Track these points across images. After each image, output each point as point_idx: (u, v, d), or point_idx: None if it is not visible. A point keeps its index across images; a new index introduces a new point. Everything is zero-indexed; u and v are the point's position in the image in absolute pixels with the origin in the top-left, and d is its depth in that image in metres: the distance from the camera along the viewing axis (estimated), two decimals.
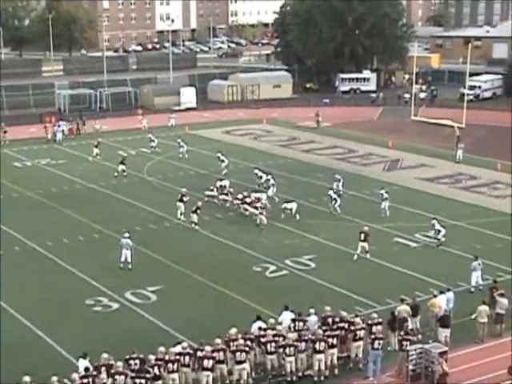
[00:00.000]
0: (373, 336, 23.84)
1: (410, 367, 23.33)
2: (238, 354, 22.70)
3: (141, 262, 33.53)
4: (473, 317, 26.17)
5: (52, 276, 32.51)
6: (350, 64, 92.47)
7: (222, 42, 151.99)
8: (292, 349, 23.24)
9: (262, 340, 23.57)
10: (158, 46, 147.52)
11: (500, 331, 26.52)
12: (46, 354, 25.34)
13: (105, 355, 22.20)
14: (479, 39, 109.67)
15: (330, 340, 23.63)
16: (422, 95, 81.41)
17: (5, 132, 60.59)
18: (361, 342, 24.16)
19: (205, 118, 72.68)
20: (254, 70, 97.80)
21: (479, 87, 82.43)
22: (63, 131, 62.32)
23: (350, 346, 24.37)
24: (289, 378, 23.40)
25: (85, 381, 21.17)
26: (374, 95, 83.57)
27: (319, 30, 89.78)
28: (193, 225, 38.19)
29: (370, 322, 24.50)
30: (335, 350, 23.81)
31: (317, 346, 23.38)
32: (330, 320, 24.80)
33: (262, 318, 25.22)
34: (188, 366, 22.66)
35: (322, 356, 23.42)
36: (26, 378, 21.04)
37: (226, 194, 42.27)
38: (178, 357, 22.42)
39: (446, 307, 26.40)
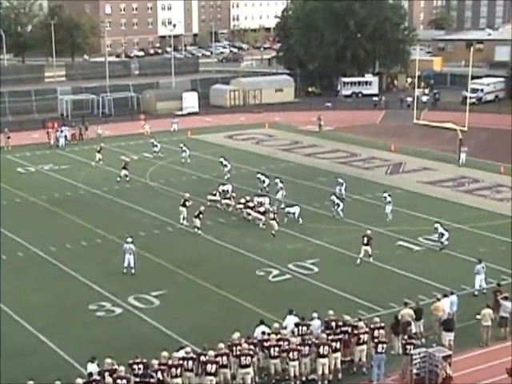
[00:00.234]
0: (376, 340, 23.80)
1: (414, 371, 23.29)
2: (242, 358, 22.67)
3: (144, 267, 33.53)
4: (478, 317, 26.10)
5: (55, 281, 32.53)
6: (352, 68, 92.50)
7: (224, 47, 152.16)
8: (296, 353, 23.22)
9: (266, 344, 23.55)
10: (160, 51, 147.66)
11: (504, 334, 26.48)
12: (49, 359, 25.35)
13: (108, 360, 22.20)
14: (481, 42, 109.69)
15: (334, 344, 23.60)
16: (425, 99, 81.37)
17: (8, 138, 60.65)
18: (364, 346, 24.13)
19: (207, 123, 72.73)
20: (255, 74, 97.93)
21: (481, 90, 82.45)
22: (66, 136, 62.38)
23: (353, 350, 24.33)
24: (292, 383, 23.37)
25: None
26: (376, 99, 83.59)
27: (321, 33, 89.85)
28: (196, 229, 38.20)
29: (372, 326, 24.47)
30: (339, 354, 23.78)
31: (320, 350, 23.35)
32: (333, 324, 24.78)
33: (266, 322, 25.20)
34: (191, 370, 22.64)
35: (325, 360, 23.40)
36: (30, 383, 21.03)
37: (229, 199, 42.32)
38: (181, 361, 22.40)
39: (450, 311, 26.37)
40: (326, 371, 23.47)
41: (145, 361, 22.33)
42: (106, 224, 40.03)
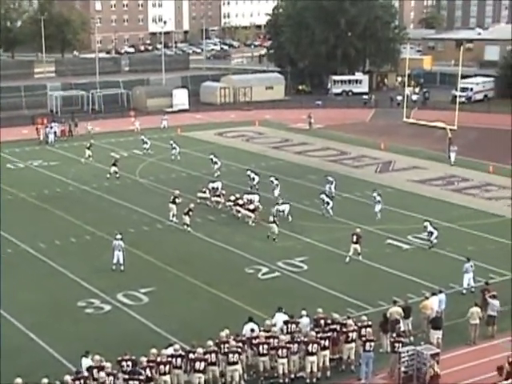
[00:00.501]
0: (364, 338, 23.86)
1: (402, 369, 23.36)
2: (230, 355, 22.69)
3: (133, 264, 33.49)
4: (469, 314, 26.16)
5: (44, 278, 32.44)
6: (343, 66, 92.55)
7: (215, 44, 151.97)
8: (284, 351, 23.25)
9: (255, 342, 23.57)
10: (150, 48, 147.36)
11: (492, 333, 26.59)
12: (37, 356, 25.29)
13: (97, 357, 22.17)
14: (471, 41, 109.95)
15: (323, 342, 23.64)
16: (414, 97, 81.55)
17: None
18: (353, 344, 24.18)
19: (197, 120, 72.67)
20: (246, 71, 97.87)
21: (471, 89, 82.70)
22: (55, 133, 62.22)
23: (342, 348, 24.38)
24: (281, 380, 23.39)
25: (77, 383, 21.12)
26: (366, 97, 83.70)
27: (311, 31, 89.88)
28: (185, 226, 38.18)
29: (359, 324, 24.51)
30: (327, 352, 23.82)
31: (309, 348, 23.39)
32: (322, 322, 24.82)
33: (255, 319, 25.21)
34: (180, 368, 22.65)
35: (314, 358, 23.43)
36: (18, 380, 20.99)
37: (219, 196, 42.32)
38: (169, 359, 22.40)
39: (438, 309, 26.46)
40: (315, 369, 23.51)
41: (133, 358, 22.32)
42: (95, 220, 39.96)
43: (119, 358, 22.33)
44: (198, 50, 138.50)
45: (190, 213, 38.24)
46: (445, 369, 23.29)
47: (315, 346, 23.42)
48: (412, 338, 25.96)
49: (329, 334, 24.01)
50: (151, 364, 22.09)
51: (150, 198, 44.52)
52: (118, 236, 33.31)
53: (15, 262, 34.31)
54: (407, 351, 23.44)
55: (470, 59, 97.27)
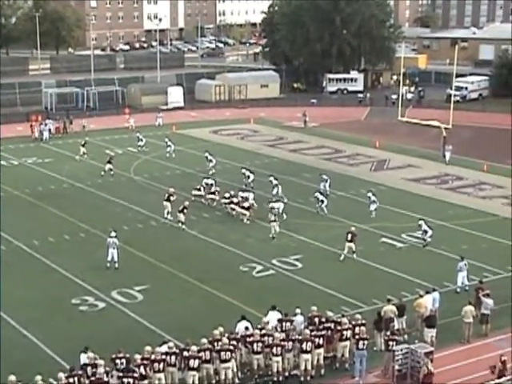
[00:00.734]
0: (357, 336, 23.88)
1: (396, 367, 23.38)
2: (222, 353, 22.69)
3: (127, 262, 33.46)
4: (462, 313, 26.22)
5: (38, 275, 32.38)
6: (338, 64, 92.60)
7: (210, 42, 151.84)
8: (279, 348, 23.25)
9: (249, 340, 23.57)
10: (145, 45, 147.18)
11: (485, 331, 26.65)
12: (31, 353, 25.25)
13: (91, 354, 22.16)
14: (466, 40, 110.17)
15: (317, 340, 23.65)
16: (409, 96, 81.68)
17: None
18: (347, 342, 24.19)
19: (192, 118, 72.62)
20: (241, 69, 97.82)
21: (466, 88, 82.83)
22: (50, 130, 62.11)
23: (336, 346, 24.40)
24: (275, 378, 23.40)
25: (71, 380, 21.09)
26: (361, 96, 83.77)
27: (307, 30, 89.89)
28: (180, 224, 38.17)
29: (353, 322, 24.53)
30: (322, 350, 23.83)
31: (304, 346, 23.40)
32: (316, 320, 24.83)
33: (249, 317, 25.22)
34: (174, 365, 22.63)
35: (308, 356, 23.44)
36: (12, 378, 20.95)
37: (214, 194, 42.26)
38: (164, 356, 22.38)
39: (432, 307, 26.49)
40: (309, 367, 23.52)
41: (127, 355, 22.29)
42: (89, 218, 39.90)
43: (113, 356, 22.30)
44: (193, 48, 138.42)
45: (185, 210, 38.23)
46: (439, 367, 23.32)
47: (309, 344, 23.43)
48: (406, 337, 26.01)
49: (323, 332, 24.02)
50: (145, 362, 22.06)
51: (144, 196, 44.49)
52: (113, 234, 33.26)
53: (9, 259, 34.21)
54: (401, 349, 23.47)
55: (465, 58, 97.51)
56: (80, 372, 21.52)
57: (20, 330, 27.02)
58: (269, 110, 76.88)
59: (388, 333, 24.48)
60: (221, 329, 23.75)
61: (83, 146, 54.22)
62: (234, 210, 40.09)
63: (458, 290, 30.49)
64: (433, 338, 25.25)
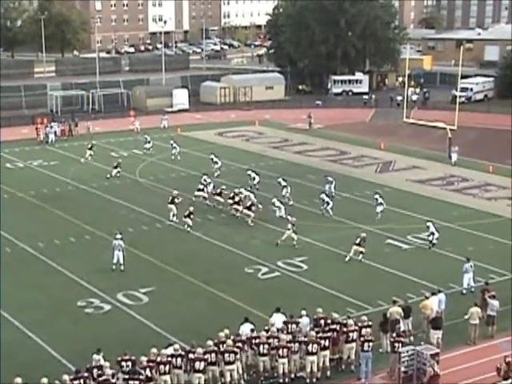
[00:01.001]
0: (362, 338, 23.85)
1: (402, 369, 23.34)
2: (226, 355, 22.68)
3: (133, 264, 33.47)
4: (466, 317, 26.22)
5: (43, 277, 32.42)
6: (343, 66, 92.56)
7: (215, 44, 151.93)
8: (285, 350, 23.22)
9: (255, 341, 23.55)
10: (150, 48, 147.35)
11: (491, 333, 26.58)
12: (37, 356, 25.28)
13: (96, 356, 22.16)
14: (471, 42, 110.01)
15: (323, 342, 23.62)
16: (414, 97, 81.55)
17: None
18: (353, 344, 24.15)
19: (197, 120, 72.66)
20: (246, 71, 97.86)
21: (471, 89, 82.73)
22: (55, 132, 62.18)
23: (342, 348, 24.37)
24: (281, 380, 23.37)
25: (76, 382, 21.09)
26: (366, 97, 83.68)
27: (311, 31, 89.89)
28: (185, 226, 38.19)
29: (360, 324, 24.50)
30: (327, 352, 23.80)
31: (309, 347, 23.37)
32: (322, 322, 24.80)
33: (254, 319, 25.20)
34: (180, 367, 22.62)
35: (314, 358, 23.41)
36: (18, 380, 20.96)
37: (220, 195, 41.96)
38: (169, 358, 22.38)
39: (438, 309, 26.44)
40: (315, 369, 23.49)
41: (133, 358, 22.29)
42: (94, 220, 39.94)
43: (119, 358, 22.31)
44: (198, 50, 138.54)
45: (191, 215, 38.25)
46: (445, 369, 23.28)
47: (315, 345, 23.40)
48: (412, 338, 25.94)
49: (329, 334, 24.00)
50: (151, 364, 22.07)
51: (149, 198, 44.51)
52: (118, 236, 33.28)
53: (14, 261, 34.28)
54: (407, 351, 23.43)
55: (470, 59, 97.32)
56: (86, 374, 21.52)
57: (26, 332, 27.05)
58: (274, 111, 76.88)
59: (394, 334, 24.43)
60: (226, 331, 23.73)
61: (90, 149, 54.27)
62: (237, 210, 40.00)
63: (464, 291, 30.43)
64: (439, 340, 25.20)
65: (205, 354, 22.57)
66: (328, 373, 23.88)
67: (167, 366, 22.18)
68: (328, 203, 40.65)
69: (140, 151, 57.08)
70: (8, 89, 78.70)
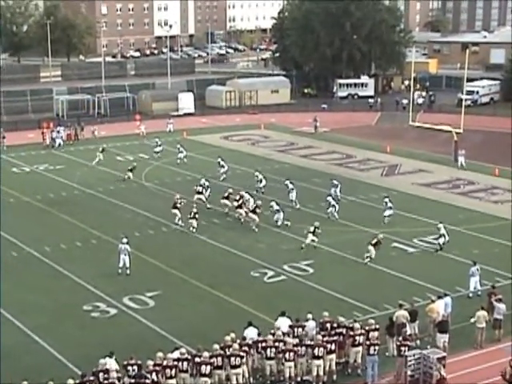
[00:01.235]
0: (368, 342, 23.82)
1: (409, 373, 23.29)
2: (232, 358, 22.67)
3: (139, 268, 33.49)
4: (472, 320, 26.17)
5: (50, 281, 32.47)
6: (348, 69, 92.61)
7: (220, 48, 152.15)
8: (292, 354, 23.19)
9: (263, 345, 23.52)
10: (156, 52, 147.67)
11: (498, 336, 26.51)
12: (43, 360, 25.29)
13: (102, 361, 22.17)
14: (477, 45, 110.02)
15: (329, 346, 23.59)
16: (420, 101, 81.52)
17: (3, 138, 60.56)
18: (360, 348, 24.11)
19: (203, 124, 72.73)
20: (251, 75, 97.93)
21: (477, 92, 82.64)
22: (62, 137, 62.28)
23: (348, 352, 24.34)
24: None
25: None
26: (371, 101, 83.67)
27: (317, 35, 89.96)
28: (191, 228, 38.23)
29: (367, 327, 24.46)
30: (334, 356, 23.76)
31: (315, 351, 23.34)
32: (328, 325, 24.78)
33: (260, 323, 25.18)
34: (186, 371, 22.61)
35: (320, 362, 23.38)
36: (25, 383, 21.02)
37: (227, 198, 41.64)
38: (175, 362, 22.37)
39: (445, 312, 26.38)
40: (321, 373, 23.45)
41: (139, 362, 22.29)
42: (100, 224, 39.99)
43: (125, 363, 22.32)
44: (204, 54, 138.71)
45: (197, 216, 38.32)
46: (451, 373, 23.22)
47: (321, 349, 23.37)
48: (418, 342, 25.91)
49: (335, 338, 23.96)
50: (157, 368, 22.05)
51: (155, 202, 44.54)
52: (124, 240, 33.30)
53: (20, 265, 34.34)
54: (413, 355, 23.38)
55: (476, 62, 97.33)
56: (92, 378, 21.53)
57: (31, 335, 27.09)
58: (279, 115, 76.90)
59: (400, 338, 24.39)
60: (232, 335, 23.73)
61: (101, 152, 54.44)
62: (241, 214, 39.84)
63: (471, 294, 30.36)
64: (445, 344, 25.14)
65: (211, 357, 22.56)
66: (334, 377, 23.85)
67: (173, 370, 22.17)
68: (334, 206, 40.63)
69: (146, 155, 57.13)
70: (14, 93, 78.96)
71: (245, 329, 24.57)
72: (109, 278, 32.58)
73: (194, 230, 38.19)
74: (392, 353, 25.03)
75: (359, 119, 74.91)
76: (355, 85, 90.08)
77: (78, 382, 21.27)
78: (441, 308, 26.55)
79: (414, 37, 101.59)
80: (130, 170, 49.73)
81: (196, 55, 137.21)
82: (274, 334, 23.92)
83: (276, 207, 39.65)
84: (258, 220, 39.09)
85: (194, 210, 38.64)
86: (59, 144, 61.16)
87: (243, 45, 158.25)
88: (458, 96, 76.18)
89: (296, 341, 23.69)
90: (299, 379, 23.58)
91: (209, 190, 43.72)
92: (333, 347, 23.66)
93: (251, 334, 24.22)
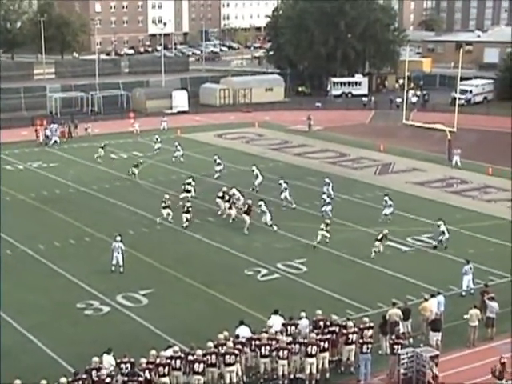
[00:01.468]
0: (361, 340, 23.87)
1: (402, 371, 23.35)
2: (227, 356, 22.68)
3: (132, 266, 33.48)
4: (465, 317, 26.22)
5: (43, 279, 32.42)
6: (342, 68, 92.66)
7: (215, 46, 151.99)
8: (285, 352, 23.22)
9: (257, 343, 23.54)
10: (150, 50, 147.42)
11: (491, 335, 26.59)
12: (36, 358, 25.27)
13: (95, 359, 22.15)
14: (470, 44, 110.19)
15: (322, 344, 23.62)
16: (414, 99, 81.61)
17: None
18: (353, 346, 24.16)
19: (197, 122, 72.67)
20: (245, 73, 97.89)
21: (470, 92, 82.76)
22: (58, 134, 62.07)
23: (341, 350, 24.38)
24: (280, 382, 23.37)
25: None
26: (365, 99, 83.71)
27: (311, 33, 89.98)
28: (184, 221, 38.50)
29: (361, 326, 24.51)
30: (327, 354, 23.79)
31: (309, 349, 23.37)
32: (321, 324, 24.81)
33: (254, 321, 25.20)
34: (179, 369, 22.62)
35: (313, 360, 23.41)
36: (17, 382, 20.96)
37: (222, 198, 41.44)
38: (169, 360, 22.38)
39: (437, 311, 26.45)
40: (314, 371, 23.49)
41: (132, 360, 22.29)
42: (94, 222, 39.94)
43: (118, 360, 22.32)
44: (198, 52, 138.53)
45: (190, 210, 38.64)
46: (444, 371, 23.31)
47: (314, 347, 23.40)
48: (411, 340, 25.97)
49: (328, 336, 24.00)
50: (150, 366, 22.08)
51: (149, 200, 44.47)
52: (118, 238, 33.27)
53: (14, 263, 34.28)
54: (406, 353, 23.44)
55: (470, 61, 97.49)
56: (84, 376, 21.52)
57: (25, 333, 27.05)
58: (273, 113, 76.91)
59: (393, 336, 24.44)
60: (226, 333, 23.74)
61: (103, 148, 54.53)
62: (230, 215, 39.72)
63: (464, 293, 30.44)
64: (438, 342, 25.20)
65: (204, 355, 22.57)
66: (327, 375, 23.89)
67: (166, 368, 22.19)
68: (329, 204, 40.58)
69: (140, 153, 57.08)
70: (8, 90, 78.67)
71: (236, 327, 24.57)
72: (102, 275, 32.56)
73: (186, 224, 38.21)
74: (385, 351, 25.08)
75: (353, 118, 74.99)
76: (349, 83, 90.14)
77: (70, 380, 21.26)
78: (434, 306, 26.61)
79: (408, 36, 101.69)
80: (136, 166, 49.69)
81: (190, 53, 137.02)
82: (267, 332, 23.95)
83: (264, 208, 38.93)
84: (249, 222, 38.50)
85: (188, 204, 38.77)
86: (55, 141, 60.97)
87: (237, 43, 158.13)
88: (452, 95, 76.30)
89: (289, 339, 23.73)
90: (292, 377, 23.61)
91: (192, 190, 43.45)
92: (326, 345, 23.69)
93: (243, 332, 24.23)
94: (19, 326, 27.62)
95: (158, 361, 22.24)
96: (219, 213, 41.07)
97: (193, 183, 44.06)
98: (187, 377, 22.75)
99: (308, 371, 23.47)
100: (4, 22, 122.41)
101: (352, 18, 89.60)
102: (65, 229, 39.21)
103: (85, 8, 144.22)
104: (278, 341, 23.50)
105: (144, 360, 22.13)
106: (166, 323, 27.71)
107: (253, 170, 46.49)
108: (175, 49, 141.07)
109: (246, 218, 38.52)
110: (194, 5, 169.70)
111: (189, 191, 42.87)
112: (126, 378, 21.68)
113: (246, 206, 39.20)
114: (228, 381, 22.81)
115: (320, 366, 23.65)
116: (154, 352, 22.59)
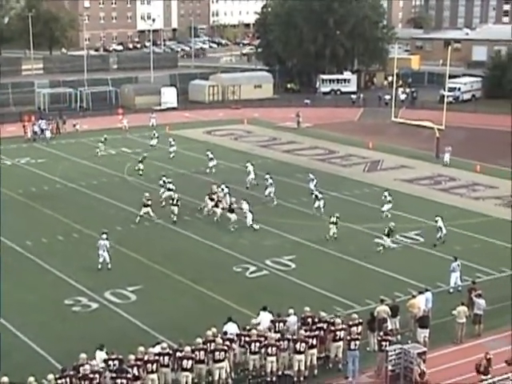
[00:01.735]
0: (349, 337, 23.90)
1: (389, 367, 23.39)
2: (216, 353, 22.67)
3: (120, 262, 33.41)
4: (453, 313, 26.31)
5: (31, 276, 32.30)
6: (331, 65, 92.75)
7: (203, 42, 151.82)
8: (274, 349, 23.23)
9: (247, 339, 23.54)
10: (138, 46, 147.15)
11: (478, 332, 26.71)
12: (24, 355, 25.17)
13: (83, 355, 22.08)
14: (459, 42, 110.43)
15: (310, 340, 23.65)
16: (402, 97, 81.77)
17: None
18: (341, 343, 24.19)
19: (186, 118, 72.57)
20: (234, 70, 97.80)
21: (459, 89, 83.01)
22: (43, 130, 61.72)
23: (329, 347, 24.42)
24: (268, 378, 23.38)
25: (59, 382, 20.99)
26: (354, 96, 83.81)
27: (300, 30, 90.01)
28: (172, 215, 38.59)
29: (350, 322, 24.54)
30: (315, 351, 23.83)
31: (297, 346, 23.40)
32: (309, 320, 24.84)
33: (242, 318, 25.21)
34: (167, 366, 22.59)
35: (301, 356, 23.43)
36: (4, 379, 20.92)
37: (212, 199, 41.25)
38: (157, 357, 22.35)
39: (425, 308, 26.54)
40: (302, 367, 23.51)
41: (120, 356, 22.24)
42: (82, 218, 39.83)
43: (106, 357, 22.27)
44: (187, 48, 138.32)
45: (178, 203, 39.06)
46: (431, 367, 23.38)
47: (303, 344, 23.43)
48: (399, 337, 26.02)
49: (316, 333, 24.03)
50: (138, 362, 22.03)
51: (137, 196, 44.16)
52: (104, 236, 33.14)
53: (1, 259, 34.07)
54: (394, 350, 23.49)
55: (458, 59, 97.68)
56: (72, 373, 21.46)
57: (12, 330, 26.92)
58: (262, 110, 76.90)
59: (381, 333, 24.49)
60: (214, 329, 23.74)
61: (103, 142, 54.50)
62: (215, 213, 39.59)
63: (451, 290, 30.56)
64: (426, 339, 25.29)
65: (193, 352, 22.56)
66: (315, 371, 23.92)
67: (154, 365, 22.15)
68: (318, 199, 40.47)
69: (128, 149, 56.97)
70: None
71: (224, 324, 24.56)
72: (90, 272, 32.48)
73: (175, 218, 38.31)
74: (373, 348, 25.14)
75: (342, 115, 75.07)
76: (338, 80, 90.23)
77: (58, 376, 21.20)
78: (421, 303, 26.70)
79: (397, 33, 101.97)
80: (141, 162, 49.53)
81: (179, 49, 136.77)
82: (250, 329, 23.94)
83: (245, 207, 38.57)
84: (235, 219, 38.39)
85: (176, 196, 38.88)
86: (48, 136, 60.53)
87: (226, 39, 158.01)
88: (440, 92, 76.47)
89: (278, 336, 23.74)
90: (280, 373, 23.63)
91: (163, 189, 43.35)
92: (314, 342, 23.73)
93: (231, 329, 24.23)
94: (6, 322, 27.47)
95: (146, 357, 22.20)
96: (205, 212, 40.63)
97: (168, 181, 43.57)
98: (175, 373, 22.74)
99: (296, 368, 23.49)
100: None
101: (341, 16, 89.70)
102: (53, 225, 39.08)
103: (73, 4, 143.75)
104: (266, 338, 23.52)
105: (132, 356, 22.08)
106: (154, 319, 27.68)
107: (246, 167, 46.44)
108: (164, 45, 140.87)
109: (231, 216, 38.39)
110: (184, 1, 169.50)
111: (171, 189, 42.40)
112: (114, 375, 21.63)
113: (228, 205, 39.16)
114: (217, 377, 22.82)
115: (308, 363, 23.68)
116: (142, 348, 22.55)
